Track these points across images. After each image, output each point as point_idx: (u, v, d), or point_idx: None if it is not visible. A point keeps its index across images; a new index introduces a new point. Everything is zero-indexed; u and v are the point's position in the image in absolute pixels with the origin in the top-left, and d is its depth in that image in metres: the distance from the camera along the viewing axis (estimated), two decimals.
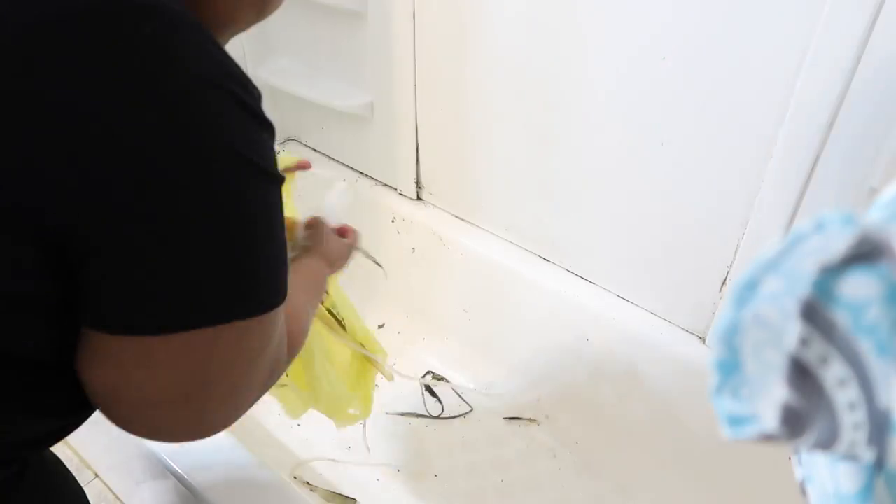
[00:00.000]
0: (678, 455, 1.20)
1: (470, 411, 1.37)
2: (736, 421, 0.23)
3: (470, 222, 1.40)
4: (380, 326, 1.52)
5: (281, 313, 0.52)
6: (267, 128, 0.48)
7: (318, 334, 0.94)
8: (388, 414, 1.35)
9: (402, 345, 1.49)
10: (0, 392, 0.46)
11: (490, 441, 1.32)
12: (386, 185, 1.51)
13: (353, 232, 0.96)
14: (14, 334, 0.45)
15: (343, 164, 1.58)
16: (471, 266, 1.38)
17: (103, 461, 1.32)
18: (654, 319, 1.19)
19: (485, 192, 1.34)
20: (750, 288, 0.23)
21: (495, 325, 1.41)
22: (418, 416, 1.35)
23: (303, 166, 0.95)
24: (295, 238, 0.84)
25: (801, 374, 0.22)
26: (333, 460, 1.25)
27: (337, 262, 0.89)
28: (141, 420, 0.50)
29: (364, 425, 1.13)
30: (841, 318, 0.21)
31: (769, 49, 0.86)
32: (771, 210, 0.94)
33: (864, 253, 0.21)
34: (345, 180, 1.53)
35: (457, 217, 1.42)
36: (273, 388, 0.94)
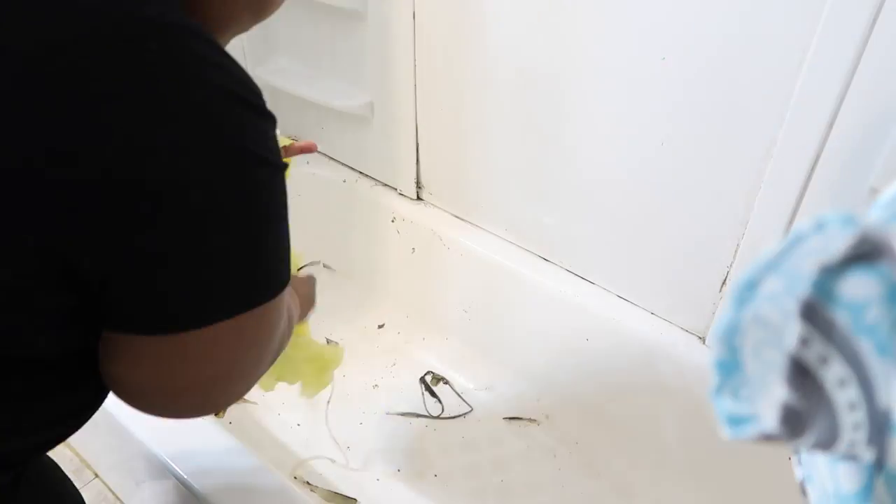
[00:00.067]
0: (678, 455, 1.20)
1: (470, 411, 1.37)
2: (736, 421, 0.23)
3: (470, 222, 1.40)
4: (380, 326, 1.53)
5: (286, 298, 0.55)
6: (271, 121, 0.49)
7: None
8: (388, 414, 1.35)
9: (402, 345, 1.49)
10: (3, 396, 0.47)
11: (490, 441, 1.32)
12: (386, 185, 1.51)
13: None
14: (22, 340, 0.45)
15: (343, 164, 1.58)
16: (471, 266, 1.38)
17: (103, 461, 1.32)
18: (654, 319, 1.19)
19: (485, 192, 1.34)
20: (750, 288, 0.23)
21: (495, 325, 1.41)
22: (418, 416, 1.35)
23: (308, 149, 0.93)
24: None
25: (801, 374, 0.22)
26: (333, 460, 1.25)
27: (306, 299, 0.86)
28: (169, 406, 0.54)
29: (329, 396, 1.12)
30: (841, 318, 0.21)
31: (769, 49, 0.86)
32: (771, 210, 0.94)
33: (864, 253, 0.21)
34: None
35: (457, 217, 1.42)
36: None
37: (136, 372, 0.49)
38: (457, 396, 1.40)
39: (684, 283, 1.12)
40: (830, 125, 0.84)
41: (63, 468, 0.68)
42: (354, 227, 1.57)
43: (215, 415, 1.02)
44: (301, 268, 0.90)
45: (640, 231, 1.13)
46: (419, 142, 1.38)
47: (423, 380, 1.42)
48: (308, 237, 1.57)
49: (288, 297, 0.57)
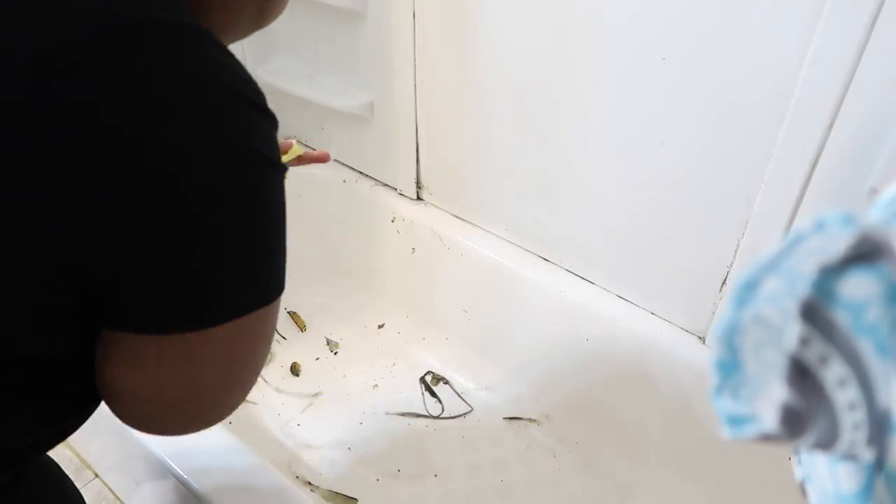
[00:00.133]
0: (678, 455, 1.20)
1: (470, 411, 1.37)
2: (736, 421, 0.23)
3: (470, 222, 1.40)
4: (380, 326, 1.53)
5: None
6: (273, 122, 0.50)
7: None
8: (387, 414, 1.35)
9: (402, 345, 1.49)
10: (3, 394, 0.47)
11: (490, 441, 1.32)
12: (386, 185, 1.51)
13: None
14: (21, 340, 0.45)
15: (343, 164, 1.58)
16: (471, 266, 1.38)
17: (103, 461, 1.32)
18: (653, 319, 1.19)
19: (485, 192, 1.34)
20: (750, 288, 0.23)
21: (495, 325, 1.41)
22: (418, 416, 1.35)
23: (322, 159, 0.88)
24: None
25: (801, 374, 0.22)
26: (334, 460, 1.25)
27: None
28: (162, 416, 0.52)
29: None
30: (841, 318, 0.21)
31: (769, 49, 0.86)
32: (771, 210, 0.94)
33: (865, 253, 0.21)
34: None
35: (457, 217, 1.42)
36: None
37: (134, 374, 0.48)
38: (457, 396, 1.40)
39: (684, 284, 1.12)
40: (830, 125, 0.84)
41: (63, 468, 0.68)
42: (354, 227, 1.57)
43: None
44: (302, 161, 0.85)
45: (640, 231, 1.13)
46: (419, 142, 1.38)
47: (423, 380, 1.43)
48: (308, 237, 1.57)
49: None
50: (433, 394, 1.40)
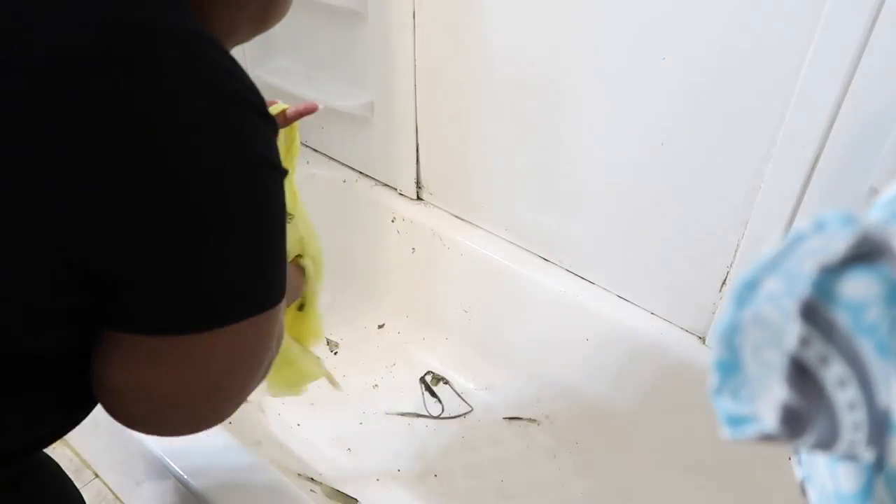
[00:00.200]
0: (678, 455, 1.20)
1: (470, 411, 1.37)
2: (736, 421, 0.23)
3: (470, 222, 1.40)
4: (380, 326, 1.53)
5: (283, 306, 0.55)
6: (274, 127, 0.50)
7: None
8: (387, 414, 1.35)
9: (402, 345, 1.49)
10: (8, 390, 0.47)
11: (490, 441, 1.32)
12: (386, 185, 1.51)
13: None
14: (28, 336, 0.45)
15: (343, 164, 1.58)
16: (471, 266, 1.38)
17: (103, 461, 1.32)
18: (654, 319, 1.19)
19: (485, 192, 1.34)
20: (750, 288, 0.23)
21: (495, 325, 1.41)
22: (418, 416, 1.35)
23: (308, 110, 0.83)
24: None
25: (801, 374, 0.22)
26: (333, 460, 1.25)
27: (290, 287, 0.86)
28: (155, 417, 0.52)
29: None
30: (841, 318, 0.21)
31: (769, 49, 0.86)
32: (771, 210, 0.94)
33: (865, 253, 0.21)
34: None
35: (457, 217, 1.42)
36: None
37: (132, 375, 0.48)
38: (457, 396, 1.40)
39: (684, 283, 1.12)
40: (830, 125, 0.84)
41: (63, 468, 0.68)
42: (354, 227, 1.57)
43: None
44: (290, 116, 0.82)
45: (640, 231, 1.13)
46: (419, 142, 1.38)
47: (423, 380, 1.43)
48: None
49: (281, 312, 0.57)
50: (433, 394, 1.40)
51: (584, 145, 1.12)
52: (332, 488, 1.17)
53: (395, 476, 1.25)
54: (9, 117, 0.40)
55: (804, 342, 0.21)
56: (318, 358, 0.98)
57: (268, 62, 1.54)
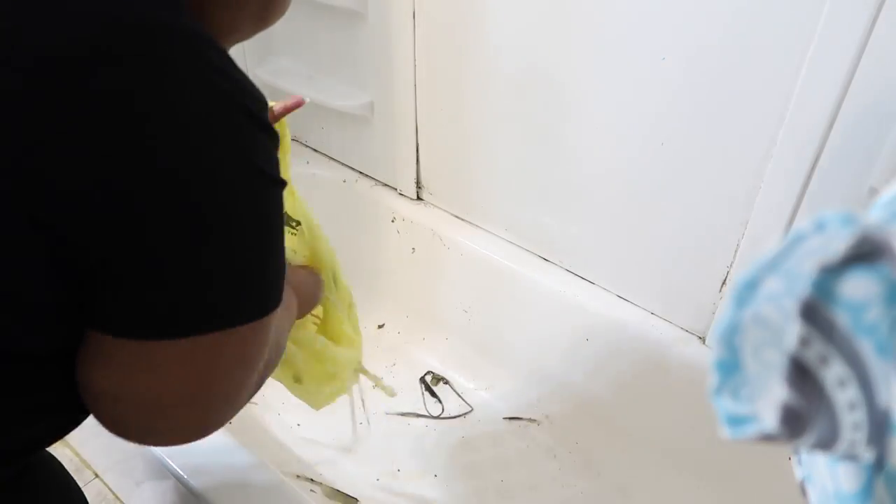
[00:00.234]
0: (678, 455, 1.20)
1: (470, 411, 1.37)
2: (736, 421, 0.23)
3: (470, 222, 1.40)
4: (380, 326, 1.53)
5: (275, 319, 0.53)
6: (273, 136, 0.49)
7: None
8: (387, 414, 1.35)
9: (402, 345, 1.49)
10: (3, 389, 0.47)
11: (490, 441, 1.32)
12: (386, 185, 1.51)
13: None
14: (21, 334, 0.45)
15: (343, 164, 1.58)
16: (471, 266, 1.38)
17: (103, 461, 1.32)
18: (654, 319, 1.19)
19: (485, 192, 1.34)
20: (750, 288, 0.23)
21: (495, 325, 1.41)
22: (418, 416, 1.35)
23: (294, 105, 0.83)
24: None
25: (801, 374, 0.22)
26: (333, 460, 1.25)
27: (306, 294, 0.83)
28: (140, 424, 0.50)
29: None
30: (841, 318, 0.21)
31: (769, 49, 0.86)
32: (771, 210, 0.94)
33: (865, 253, 0.21)
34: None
35: (457, 217, 1.42)
36: (293, 388, 0.92)
37: (116, 379, 0.47)
38: (457, 396, 1.40)
39: (684, 283, 1.12)
40: (830, 125, 0.84)
41: (64, 466, 0.68)
42: (354, 227, 1.57)
43: None
44: (280, 112, 0.81)
45: (641, 231, 1.13)
46: (419, 142, 1.38)
47: (423, 380, 1.43)
48: None
49: (275, 326, 0.55)
50: (433, 394, 1.40)
51: (585, 145, 1.12)
52: (332, 488, 1.17)
53: (395, 476, 1.25)
54: (8, 117, 0.40)
55: (804, 342, 0.21)
56: (358, 360, 0.98)
57: (268, 62, 1.54)
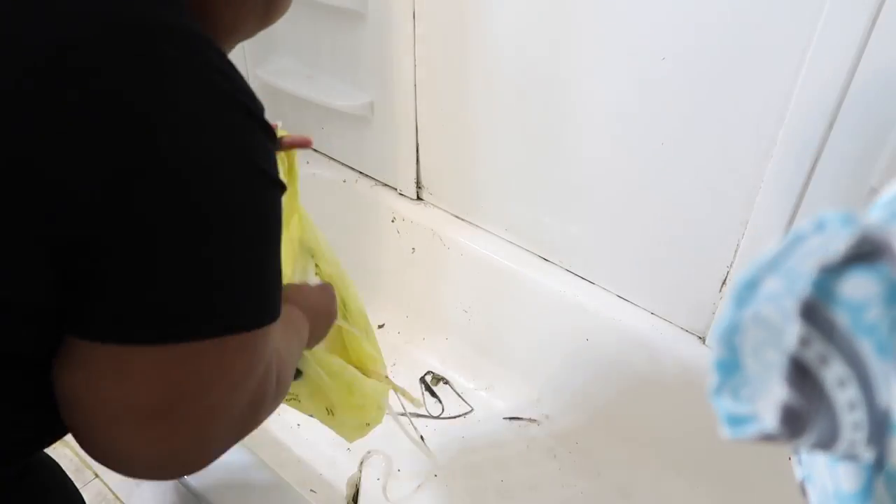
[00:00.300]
0: (678, 455, 1.20)
1: (470, 411, 1.37)
2: (736, 421, 0.23)
3: (470, 222, 1.40)
4: (380, 326, 1.52)
5: (270, 337, 0.50)
6: (272, 138, 0.49)
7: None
8: (387, 414, 1.35)
9: (402, 345, 1.49)
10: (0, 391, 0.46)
11: (490, 441, 1.32)
12: (386, 185, 1.51)
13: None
14: (15, 336, 0.45)
15: (343, 164, 1.58)
16: (471, 266, 1.38)
17: None
18: (654, 319, 1.19)
19: (485, 192, 1.34)
20: (750, 288, 0.23)
21: (495, 325, 1.41)
22: (418, 416, 1.35)
23: (302, 144, 0.81)
24: None
25: (801, 374, 0.22)
26: (333, 460, 1.25)
27: (321, 314, 0.78)
28: (108, 437, 0.46)
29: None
30: (841, 317, 0.21)
31: (769, 49, 0.86)
32: (771, 210, 0.94)
33: (864, 253, 0.21)
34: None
35: (457, 217, 1.42)
36: (326, 420, 0.91)
37: (74, 380, 0.45)
38: (457, 396, 1.40)
39: (684, 283, 1.12)
40: (830, 125, 0.84)
41: (63, 468, 0.68)
42: (354, 227, 1.57)
43: None
44: (286, 146, 0.80)
45: (641, 231, 1.13)
46: (419, 142, 1.38)
47: (423, 380, 1.43)
48: None
49: (270, 355, 0.52)
50: (433, 394, 1.40)
51: (585, 145, 1.12)
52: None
53: (396, 476, 1.25)
54: (8, 117, 0.40)
55: (804, 342, 0.21)
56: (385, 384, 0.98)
57: (268, 62, 1.54)
